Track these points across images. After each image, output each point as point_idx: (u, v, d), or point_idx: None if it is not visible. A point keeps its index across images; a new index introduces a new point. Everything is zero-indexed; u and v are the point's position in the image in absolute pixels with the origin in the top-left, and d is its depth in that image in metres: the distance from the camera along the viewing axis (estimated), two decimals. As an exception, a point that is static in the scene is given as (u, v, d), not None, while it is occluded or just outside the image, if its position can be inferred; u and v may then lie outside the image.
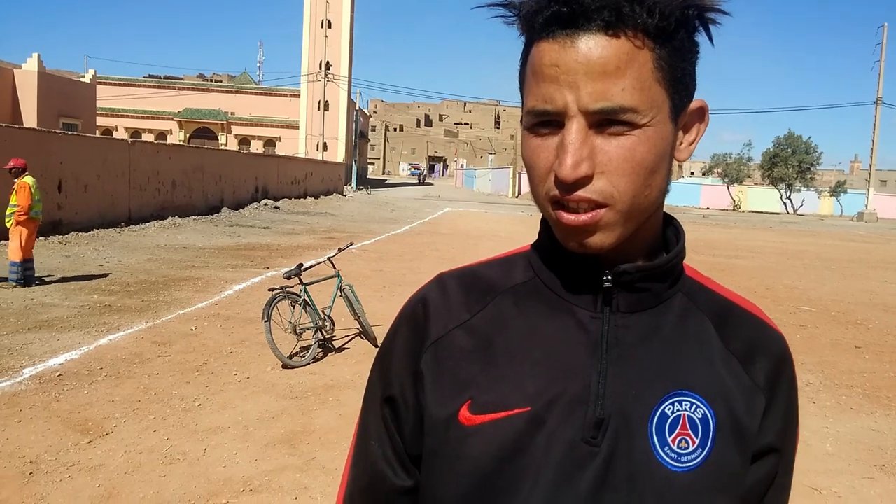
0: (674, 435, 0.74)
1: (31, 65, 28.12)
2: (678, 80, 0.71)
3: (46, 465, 3.99)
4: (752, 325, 0.82)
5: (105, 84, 58.40)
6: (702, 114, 0.77)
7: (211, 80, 74.56)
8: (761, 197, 56.04)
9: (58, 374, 5.57)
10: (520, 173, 56.53)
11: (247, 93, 62.03)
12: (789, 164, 52.45)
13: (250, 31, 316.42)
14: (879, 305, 10.86)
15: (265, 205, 26.54)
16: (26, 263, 8.92)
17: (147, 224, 17.32)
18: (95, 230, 15.15)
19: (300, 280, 6.42)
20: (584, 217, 0.69)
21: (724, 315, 0.82)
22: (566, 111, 0.68)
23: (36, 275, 9.21)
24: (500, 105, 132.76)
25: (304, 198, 33.72)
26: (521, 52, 0.76)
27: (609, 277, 0.76)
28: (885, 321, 9.53)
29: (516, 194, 53.48)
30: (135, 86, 60.05)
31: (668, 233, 0.83)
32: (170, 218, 18.71)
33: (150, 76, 68.67)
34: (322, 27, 56.24)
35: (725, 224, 33.08)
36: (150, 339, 6.76)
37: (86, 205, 15.63)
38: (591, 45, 0.67)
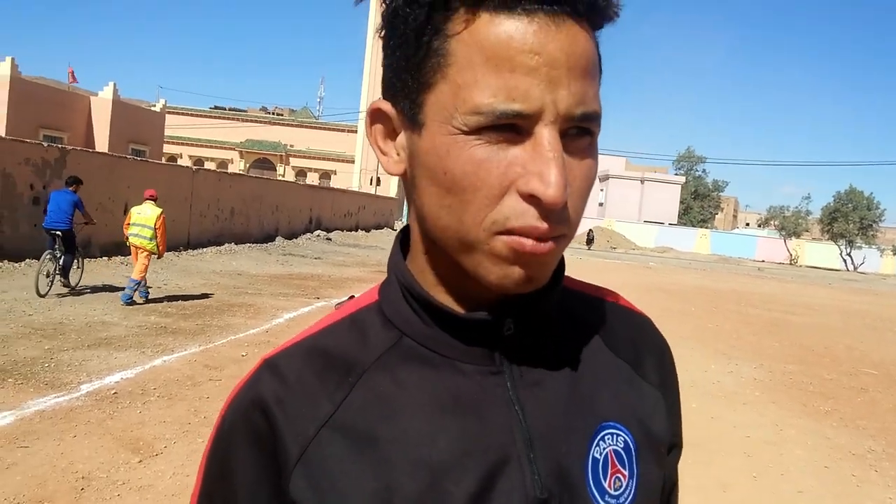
0: (608, 478, 0.64)
1: (106, 93, 29.49)
2: None
3: (98, 481, 4.08)
4: (624, 318, 0.74)
5: (174, 113, 60.79)
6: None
7: (273, 113, 76.84)
8: (820, 252, 54.47)
9: (113, 391, 5.72)
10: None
11: (306, 126, 63.83)
12: (850, 219, 51.07)
13: (313, 68, 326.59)
14: (947, 372, 10.35)
15: (318, 236, 27.01)
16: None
17: (205, 249, 17.81)
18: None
19: (351, 313, 6.47)
20: (547, 245, 0.55)
21: (601, 317, 0.72)
22: (542, 113, 0.52)
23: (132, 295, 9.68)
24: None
25: (356, 231, 34.22)
26: (393, 13, 0.57)
27: (511, 324, 0.62)
28: (954, 389, 9.06)
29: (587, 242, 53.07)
30: (201, 116, 62.43)
31: None
32: (226, 244, 19.20)
33: (216, 107, 71.22)
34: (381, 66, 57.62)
35: (782, 278, 32.17)
36: (203, 363, 6.90)
37: (148, 228, 16.18)
38: (577, 35, 0.53)
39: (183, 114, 61.57)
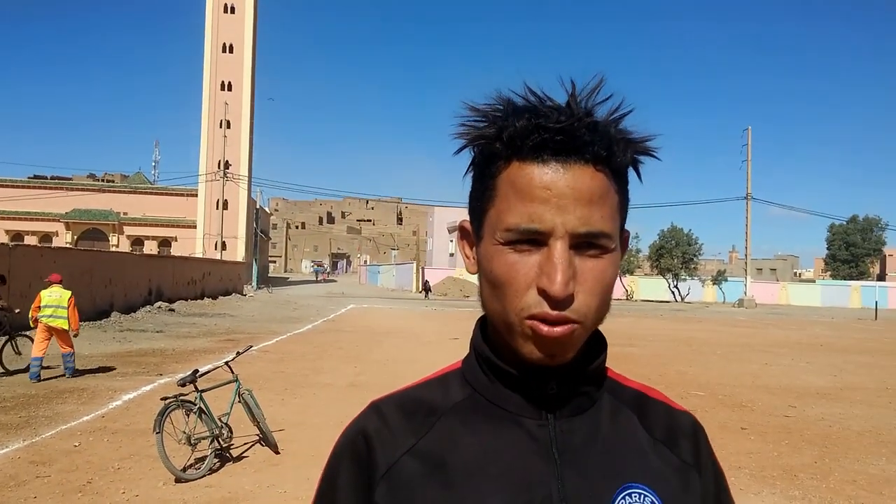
0: None
1: None
2: (625, 211, 0.80)
3: None
4: (665, 412, 0.90)
5: (-17, 185, 55.57)
6: (627, 241, 0.85)
7: (102, 180, 72.33)
8: (651, 286, 59.05)
9: (-83, 504, 5.04)
10: (423, 268, 57.13)
11: (141, 192, 60.59)
12: (674, 255, 56.05)
13: (145, 132, 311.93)
14: (762, 387, 11.53)
15: (159, 307, 25.48)
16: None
17: (28, 332, 16.17)
18: (-33, 341, 14.01)
19: (195, 387, 6.18)
20: (559, 329, 0.73)
21: (642, 407, 0.89)
22: (554, 231, 0.72)
23: None
24: (402, 202, 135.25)
25: (202, 299, 32.65)
26: (471, 166, 0.81)
27: (555, 386, 0.80)
28: (767, 402, 10.12)
29: (421, 290, 53.82)
30: (18, 187, 57.45)
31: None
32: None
33: (36, 176, 65.99)
34: (221, 127, 56.36)
35: (620, 313, 34.43)
36: (28, 459, 6.25)
37: (-43, 313, 14.50)
38: (581, 175, 0.73)
39: (-5, 185, 56.38)
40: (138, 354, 13.74)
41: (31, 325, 10.67)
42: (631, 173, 0.80)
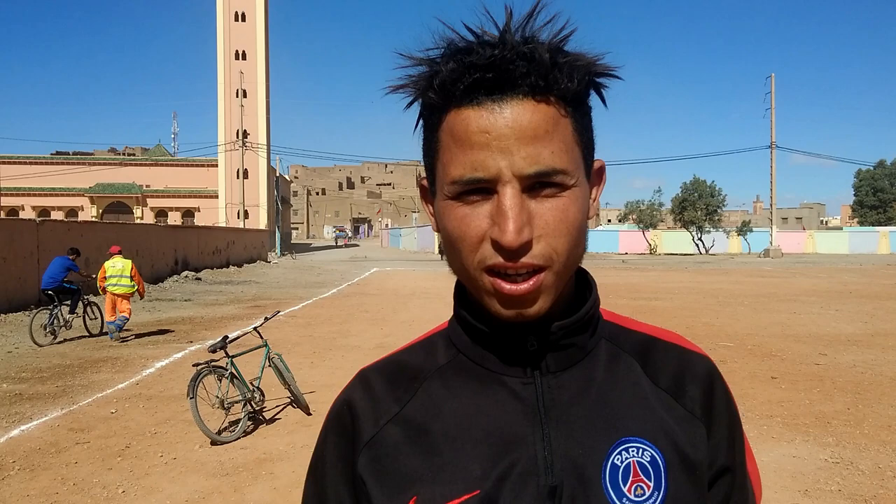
0: (628, 484, 0.73)
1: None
2: (588, 140, 0.74)
3: (-46, 572, 3.70)
4: (676, 355, 0.83)
5: (8, 163, 56.24)
6: (601, 172, 0.80)
7: (123, 154, 72.84)
8: (675, 240, 58.54)
9: (-36, 472, 5.20)
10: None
11: (162, 165, 60.96)
12: (698, 207, 55.28)
13: (163, 103, 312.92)
14: (791, 336, 11.43)
15: (186, 277, 25.81)
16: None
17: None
18: (3, 315, 14.36)
19: (226, 352, 6.26)
20: (525, 285, 0.68)
21: (648, 352, 0.83)
22: (500, 177, 0.67)
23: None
24: (421, 164, 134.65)
25: (227, 267, 32.99)
26: (419, 119, 0.75)
27: (535, 341, 0.75)
28: (797, 351, 10.03)
29: (438, 252, 53.94)
30: (41, 163, 58.11)
31: (578, 282, 0.83)
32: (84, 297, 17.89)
33: (58, 153, 66.62)
34: (237, 97, 56.23)
35: (644, 268, 34.26)
36: (67, 427, 6.41)
37: (-9, 289, 14.83)
38: (521, 111, 0.67)
39: (19, 163, 57.09)
40: (168, 323, 13.97)
41: (100, 293, 11.91)
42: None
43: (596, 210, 0.78)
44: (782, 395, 7.41)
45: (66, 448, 5.78)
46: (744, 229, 56.73)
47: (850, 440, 5.81)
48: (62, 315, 11.77)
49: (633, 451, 0.74)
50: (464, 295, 0.81)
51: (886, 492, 4.69)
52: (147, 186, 58.18)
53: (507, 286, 0.69)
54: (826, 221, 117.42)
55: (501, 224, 0.66)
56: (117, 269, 11.67)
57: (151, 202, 58.05)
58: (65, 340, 11.61)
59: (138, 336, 12.10)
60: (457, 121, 0.69)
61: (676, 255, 53.44)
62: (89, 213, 55.42)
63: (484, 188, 0.68)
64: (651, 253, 54.68)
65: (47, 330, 11.36)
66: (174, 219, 56.03)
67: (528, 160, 0.67)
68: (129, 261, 11.89)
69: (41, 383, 8.28)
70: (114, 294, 11.59)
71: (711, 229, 56.10)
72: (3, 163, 56.26)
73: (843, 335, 11.48)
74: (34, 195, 55.97)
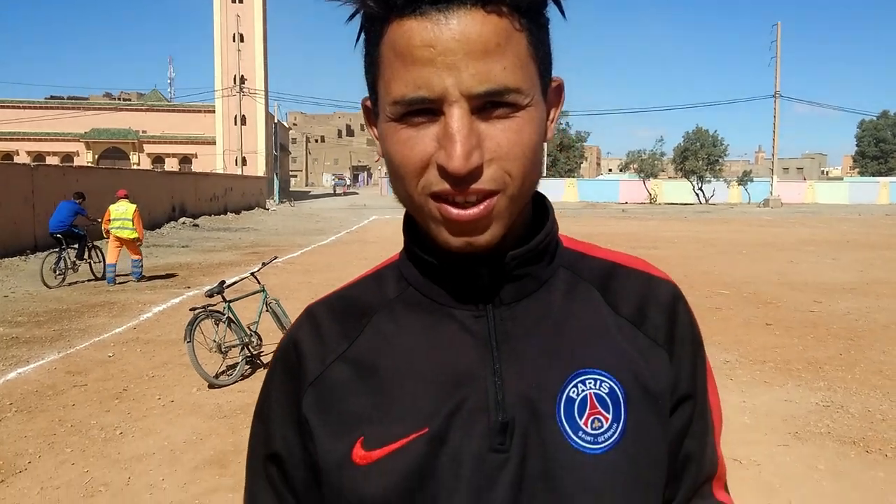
0: (585, 417, 0.70)
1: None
2: (545, 56, 0.68)
3: (-46, 509, 3.76)
4: (637, 281, 0.78)
5: (2, 107, 55.53)
6: (560, 91, 0.73)
7: (119, 99, 71.86)
8: (675, 189, 58.30)
9: (-37, 413, 5.24)
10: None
11: (158, 110, 60.17)
12: (699, 157, 54.88)
13: (159, 47, 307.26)
14: (786, 284, 11.46)
15: (183, 223, 25.74)
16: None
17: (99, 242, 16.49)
18: (-1, 260, 14.35)
19: (223, 297, 6.26)
20: (475, 210, 0.63)
21: (609, 279, 0.78)
22: (446, 96, 0.61)
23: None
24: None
25: (225, 214, 32.88)
26: (360, 34, 0.69)
27: (486, 273, 0.71)
28: (792, 298, 10.07)
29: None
30: (36, 108, 57.35)
31: (535, 209, 0.78)
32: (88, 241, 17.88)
33: (53, 97, 65.68)
34: (234, 41, 55.14)
35: (643, 217, 34.22)
36: (64, 370, 6.45)
37: (-13, 234, 14.79)
38: (470, 22, 0.60)
39: (13, 107, 56.33)
40: (165, 268, 13.98)
41: (105, 237, 12.03)
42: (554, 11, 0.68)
43: (553, 132, 0.72)
44: (776, 341, 7.45)
45: (64, 391, 5.83)
46: (744, 179, 56.45)
47: (841, 384, 5.87)
48: (69, 258, 12.02)
49: (590, 383, 0.71)
50: (413, 225, 0.75)
51: (875, 433, 4.77)
52: (143, 132, 57.55)
53: (455, 211, 0.63)
54: (827, 172, 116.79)
55: (448, 148, 0.61)
56: (120, 213, 11.85)
57: (148, 148, 57.52)
58: (73, 283, 11.90)
59: (122, 283, 12.08)
60: (398, 33, 0.62)
61: (677, 204, 53.27)
62: (85, 158, 54.94)
63: (429, 109, 0.62)
64: (651, 202, 54.52)
65: (56, 273, 11.62)
66: (171, 165, 55.59)
67: (477, 77, 0.60)
68: (134, 206, 12.01)
69: (38, 327, 8.32)
70: (117, 237, 11.76)
71: (712, 179, 55.82)
72: (-3, 107, 55.59)
73: (839, 283, 11.51)
74: (28, 140, 55.41)
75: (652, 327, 0.76)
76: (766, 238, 21.10)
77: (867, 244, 18.96)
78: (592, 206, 47.93)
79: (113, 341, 7.58)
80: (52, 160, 51.09)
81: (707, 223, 29.40)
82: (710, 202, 54.89)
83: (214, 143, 56.92)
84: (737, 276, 12.42)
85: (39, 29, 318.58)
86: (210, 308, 6.15)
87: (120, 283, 11.75)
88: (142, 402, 5.56)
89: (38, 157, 52.50)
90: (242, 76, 54.27)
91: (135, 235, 11.84)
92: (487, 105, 0.62)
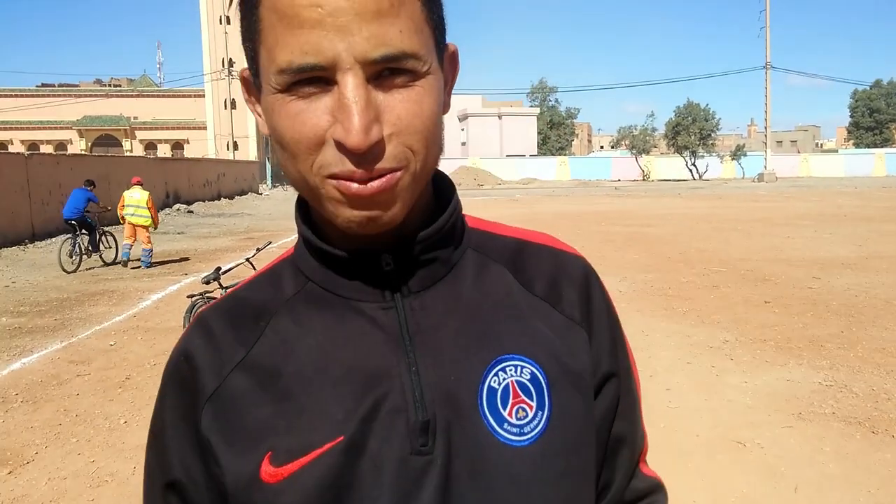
0: (509, 407, 0.66)
1: None
2: (440, 20, 0.62)
3: (-37, 502, 3.77)
4: (548, 258, 0.75)
5: (-7, 95, 55.05)
6: (454, 59, 0.68)
7: (109, 85, 71.16)
8: (668, 165, 58.29)
9: (-33, 405, 5.25)
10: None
11: (149, 96, 59.76)
12: (691, 131, 54.91)
13: (147, 32, 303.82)
14: (784, 261, 11.48)
15: (178, 210, 25.67)
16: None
17: (53, 239, 16.41)
18: (-4, 250, 14.30)
19: (220, 284, 6.26)
20: (377, 183, 0.57)
21: (518, 257, 0.74)
22: (338, 63, 0.55)
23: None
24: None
25: (219, 199, 32.77)
26: None
27: (390, 259, 0.66)
28: (790, 275, 10.09)
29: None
30: (27, 96, 56.87)
31: (436, 188, 0.72)
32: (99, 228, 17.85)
33: (44, 85, 65.02)
34: (221, 23, 54.61)
35: (636, 194, 34.21)
36: (67, 359, 6.45)
37: (-18, 224, 14.72)
38: None
39: (4, 95, 55.85)
40: (161, 255, 13.94)
41: (121, 222, 12.64)
42: None
43: (449, 104, 0.66)
44: (776, 319, 7.48)
45: (68, 380, 5.83)
46: (738, 153, 56.48)
47: (843, 363, 5.89)
48: (83, 243, 12.44)
49: (510, 370, 0.67)
50: (308, 212, 0.70)
51: (881, 413, 4.75)
52: (134, 118, 57.16)
53: (356, 185, 0.57)
54: (821, 144, 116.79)
55: (345, 121, 0.55)
56: (135, 200, 12.36)
57: (140, 134, 57.18)
58: (90, 269, 12.36)
59: (134, 269, 12.18)
60: None
61: (670, 180, 53.28)
62: (77, 146, 54.58)
63: (320, 77, 0.56)
64: (644, 179, 54.52)
65: (73, 258, 11.98)
66: (164, 151, 55.32)
67: (372, 41, 0.54)
68: (148, 192, 12.53)
69: (39, 317, 8.31)
70: (131, 224, 12.36)
71: (705, 154, 55.82)
72: (-15, 95, 55.08)
73: (838, 258, 11.54)
74: (22, 128, 55.02)
75: (567, 305, 0.73)
76: (762, 213, 21.12)
77: (864, 217, 18.99)
78: (585, 185, 47.90)
79: (114, 330, 7.58)
80: (46, 148, 50.75)
81: (701, 199, 29.40)
82: (703, 178, 54.93)
83: (205, 128, 56.59)
84: (733, 253, 12.43)
85: (26, 15, 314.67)
86: (207, 295, 6.15)
87: (132, 269, 12.17)
88: (145, 390, 5.56)
89: (32, 145, 52.18)
90: (231, 59, 53.80)
91: (149, 222, 12.36)
92: (384, 72, 0.56)
